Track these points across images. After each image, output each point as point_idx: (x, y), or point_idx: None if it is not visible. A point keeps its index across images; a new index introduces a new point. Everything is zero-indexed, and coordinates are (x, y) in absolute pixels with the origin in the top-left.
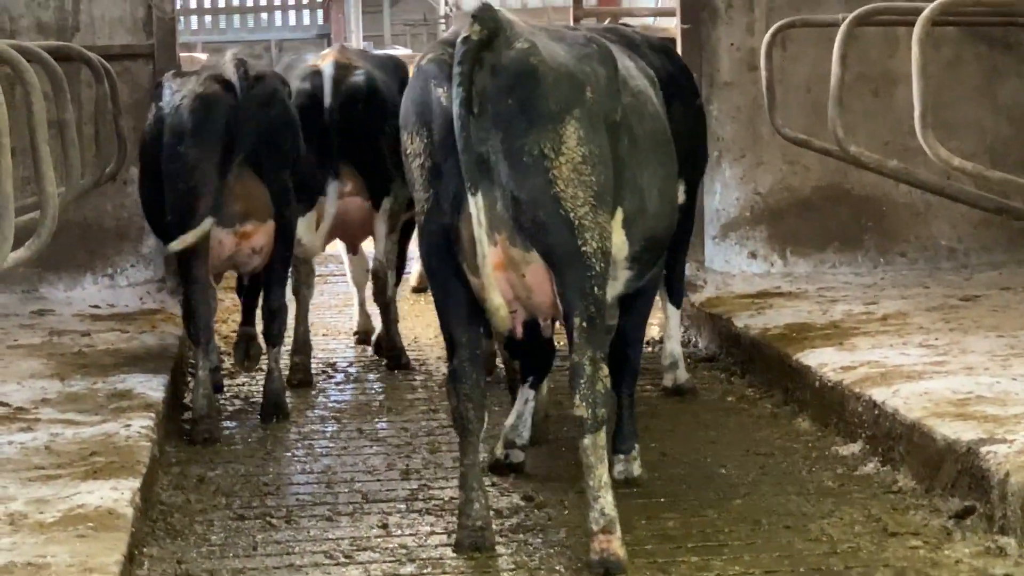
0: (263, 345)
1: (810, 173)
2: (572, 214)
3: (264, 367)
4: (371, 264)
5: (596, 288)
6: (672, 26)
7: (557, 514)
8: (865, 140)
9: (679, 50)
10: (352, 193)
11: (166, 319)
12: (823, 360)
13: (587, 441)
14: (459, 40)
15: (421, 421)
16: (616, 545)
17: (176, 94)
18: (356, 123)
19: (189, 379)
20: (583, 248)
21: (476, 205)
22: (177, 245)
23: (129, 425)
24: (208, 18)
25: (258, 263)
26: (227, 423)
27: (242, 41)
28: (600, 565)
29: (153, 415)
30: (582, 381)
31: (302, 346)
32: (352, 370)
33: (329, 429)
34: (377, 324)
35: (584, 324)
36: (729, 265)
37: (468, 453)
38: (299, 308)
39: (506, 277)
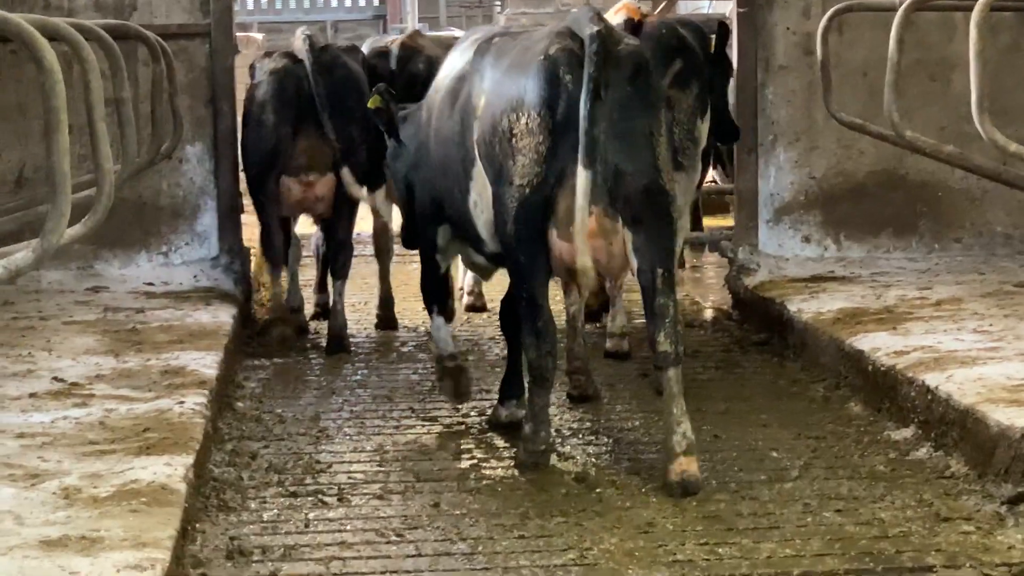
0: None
1: (865, 158)
2: (667, 184)
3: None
4: None
5: (674, 243)
6: (728, 10)
7: (609, 494)
8: (921, 125)
9: (735, 33)
10: None
11: (220, 297)
12: (876, 344)
13: (671, 373)
14: (590, 33)
15: (473, 401)
16: (695, 467)
17: (261, 71)
18: None
19: (243, 358)
20: (672, 212)
21: (586, 179)
22: None
23: (183, 402)
24: None
25: (323, 208)
26: (279, 401)
27: (298, 22)
28: (680, 486)
29: (206, 392)
30: (667, 321)
31: (384, 301)
32: (405, 349)
33: (381, 408)
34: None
35: (666, 275)
36: (782, 249)
37: (542, 395)
38: (380, 269)
39: (595, 244)
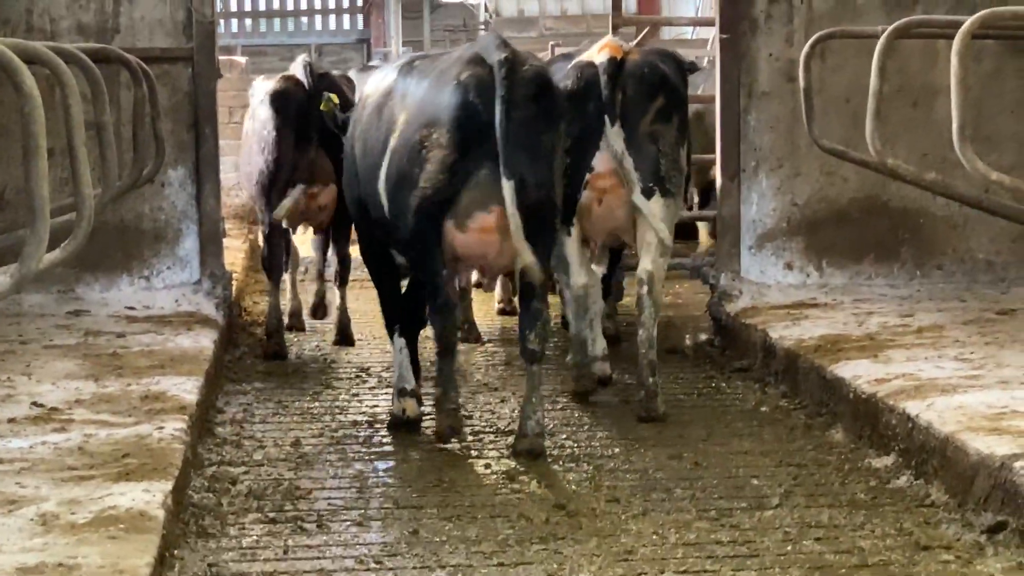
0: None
1: (847, 184)
2: (556, 197)
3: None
4: None
5: (551, 252)
6: (712, 36)
7: (588, 522)
8: (903, 152)
9: (718, 60)
10: None
11: (201, 322)
12: (857, 372)
13: (535, 368)
14: (498, 60)
15: None
16: (540, 442)
17: (261, 92)
18: None
19: (224, 383)
20: (556, 223)
21: (511, 188)
22: (280, 212)
23: (162, 427)
24: (248, 22)
25: (324, 218)
26: (259, 427)
27: (282, 45)
28: (527, 452)
29: (186, 417)
30: (538, 323)
31: None
32: (386, 375)
33: (362, 434)
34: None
35: (543, 280)
36: (765, 276)
37: (449, 363)
38: None
39: (490, 239)
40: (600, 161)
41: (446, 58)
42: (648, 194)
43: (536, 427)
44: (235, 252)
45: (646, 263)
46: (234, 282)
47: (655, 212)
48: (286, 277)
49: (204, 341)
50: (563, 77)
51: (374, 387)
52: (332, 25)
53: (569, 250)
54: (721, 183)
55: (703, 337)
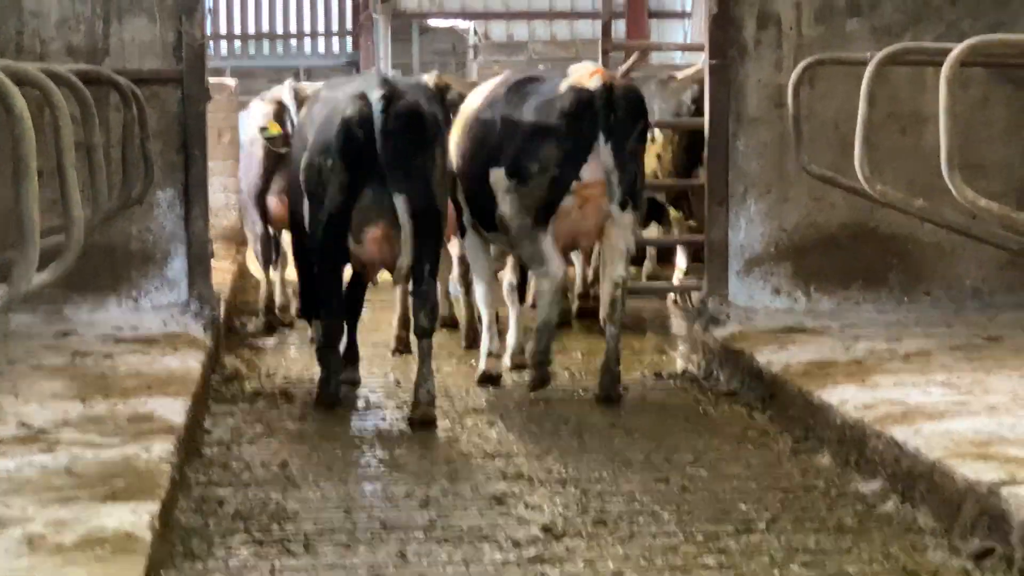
0: None
1: (836, 210)
2: (439, 204)
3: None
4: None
5: (439, 246)
6: (700, 62)
7: (576, 544)
8: (892, 179)
9: (707, 86)
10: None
11: (189, 343)
12: (845, 397)
13: (425, 343)
14: (376, 97)
15: (441, 450)
16: (432, 411)
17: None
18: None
19: (211, 403)
20: (441, 225)
21: (404, 202)
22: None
23: (150, 448)
24: (237, 44)
25: None
26: (247, 448)
27: (271, 67)
28: (419, 422)
29: (174, 439)
30: (427, 303)
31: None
32: (373, 397)
33: (349, 456)
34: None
35: (431, 268)
36: (753, 300)
37: (334, 352)
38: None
39: (382, 247)
40: (589, 172)
41: (344, 89)
42: (623, 206)
43: (427, 396)
44: (223, 273)
45: (620, 269)
46: (222, 303)
47: (627, 223)
48: (275, 275)
49: (192, 362)
50: (557, 98)
51: (362, 409)
52: (321, 48)
53: (546, 246)
54: (709, 208)
55: (690, 361)
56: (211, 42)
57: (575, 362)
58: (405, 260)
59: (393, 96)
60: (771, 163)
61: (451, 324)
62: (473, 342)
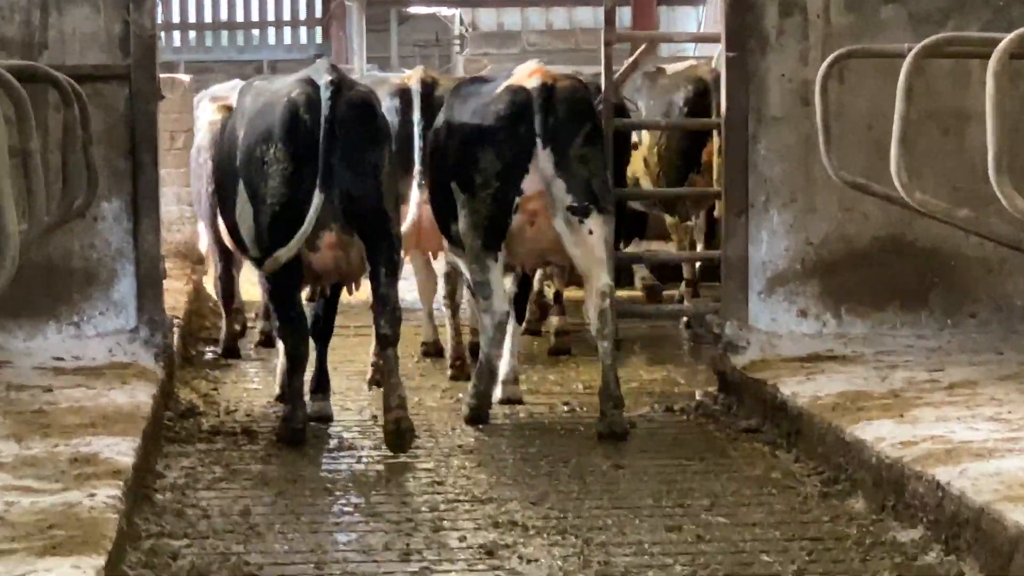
0: None
1: (869, 221)
2: (389, 207)
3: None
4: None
5: (396, 250)
6: (715, 53)
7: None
8: (932, 185)
9: (723, 80)
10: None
11: (138, 374)
12: (880, 434)
13: (390, 352)
14: (324, 82)
15: (424, 495)
16: (406, 415)
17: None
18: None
19: (163, 443)
20: (393, 228)
21: (318, 201)
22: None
23: (94, 494)
24: (192, 35)
25: None
26: (204, 493)
27: (231, 62)
28: (395, 432)
29: (121, 483)
30: (388, 308)
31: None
32: (347, 436)
33: (320, 502)
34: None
35: (389, 274)
36: (776, 324)
37: (298, 378)
38: None
39: (336, 254)
40: (529, 183)
41: (284, 79)
42: (583, 213)
43: (398, 400)
44: (177, 295)
45: (604, 278)
46: (176, 329)
47: (595, 230)
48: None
49: (141, 396)
50: (492, 101)
51: (335, 448)
52: (287, 39)
53: (493, 277)
54: (726, 220)
55: (706, 394)
56: (162, 33)
57: (575, 395)
58: (369, 265)
59: (343, 84)
60: (796, 168)
61: (436, 352)
62: (460, 372)
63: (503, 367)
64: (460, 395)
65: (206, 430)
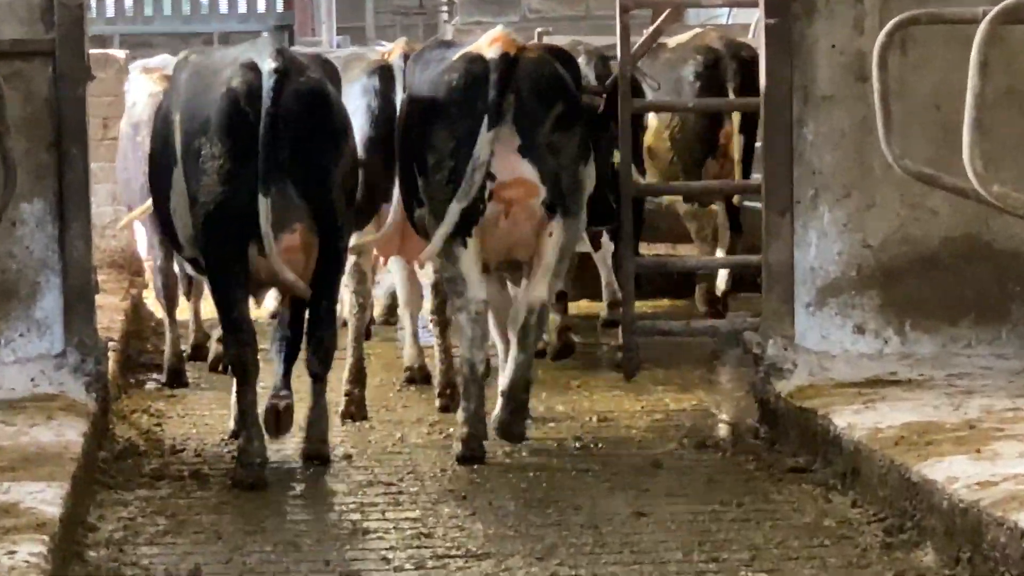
0: None
1: (938, 219)
2: (339, 217)
3: None
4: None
5: (341, 268)
6: (753, 20)
7: None
8: (1012, 176)
9: (763, 54)
10: None
11: (67, 408)
12: (954, 473)
13: (318, 386)
14: (268, 70)
15: (408, 549)
16: (327, 447)
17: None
18: None
19: (97, 490)
20: (341, 240)
21: (265, 205)
22: None
23: (14, 552)
24: (128, 4)
25: None
26: (145, 549)
27: (175, 34)
28: (317, 456)
29: (46, 538)
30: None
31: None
32: (316, 478)
33: (284, 560)
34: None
35: (328, 302)
36: (827, 342)
37: (248, 392)
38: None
39: (295, 259)
40: (504, 168)
41: (223, 55)
42: (548, 211)
43: (320, 434)
44: (112, 313)
45: (541, 290)
46: (111, 354)
47: (554, 232)
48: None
49: (70, 434)
50: (446, 70)
51: (301, 495)
52: (242, 6)
53: (464, 265)
54: (768, 219)
55: (746, 426)
56: (93, 2)
57: (588, 428)
58: (282, 278)
59: (290, 70)
60: (850, 157)
61: (422, 379)
62: (452, 402)
63: (502, 380)
64: (451, 430)
65: (148, 474)
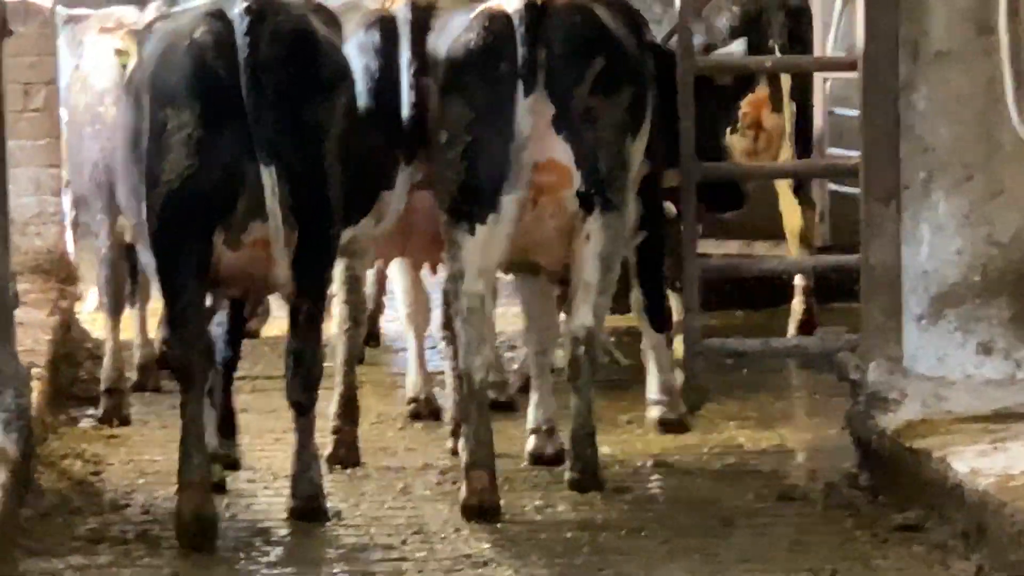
0: None
1: None
2: (332, 191)
3: None
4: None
5: (329, 264)
6: None
7: None
8: None
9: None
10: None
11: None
12: None
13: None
14: (238, 12)
15: None
16: (323, 501)
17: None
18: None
19: (17, 555)
20: (332, 228)
21: (271, 177)
22: None
23: None
24: None
25: None
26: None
27: None
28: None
29: None
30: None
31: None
32: (296, 542)
33: None
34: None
35: (315, 309)
36: (944, 365)
37: (191, 403)
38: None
39: (255, 257)
40: (536, 146)
41: (185, 14)
42: (587, 205)
43: (310, 488)
44: (36, 331)
45: (585, 315)
46: (35, 383)
47: (592, 235)
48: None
49: None
50: (462, 28)
51: (275, 563)
52: None
53: (467, 256)
54: (867, 209)
55: (841, 473)
56: None
57: (640, 475)
58: (279, 274)
59: (265, 9)
60: (973, 130)
61: (429, 413)
62: None
63: (531, 417)
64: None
65: (83, 536)
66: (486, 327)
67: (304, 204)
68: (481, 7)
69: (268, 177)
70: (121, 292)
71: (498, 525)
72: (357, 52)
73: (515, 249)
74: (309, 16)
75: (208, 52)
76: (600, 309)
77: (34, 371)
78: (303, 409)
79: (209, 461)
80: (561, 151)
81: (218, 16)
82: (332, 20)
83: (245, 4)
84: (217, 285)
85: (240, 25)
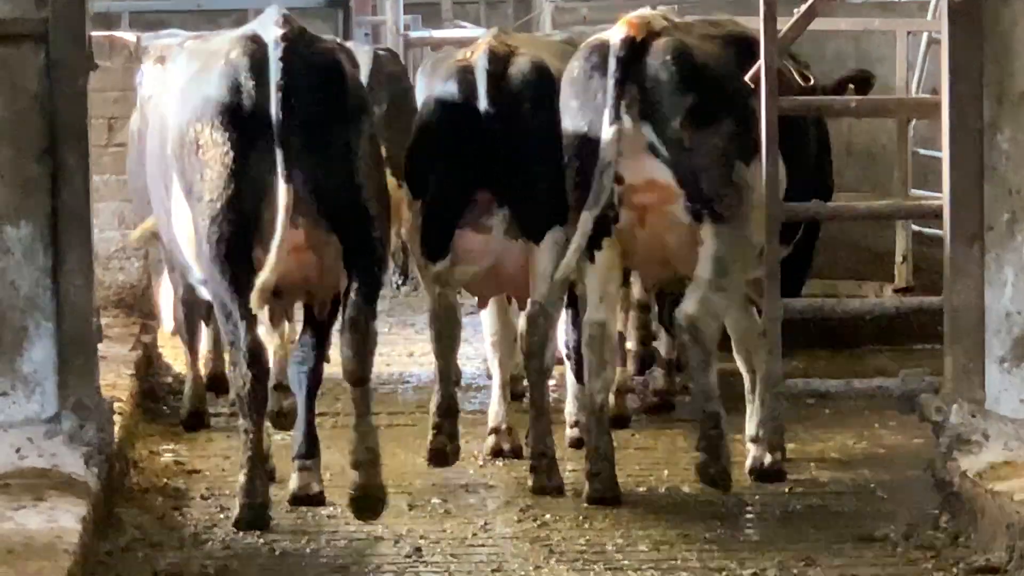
0: None
1: None
2: (368, 199)
3: None
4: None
5: (378, 258)
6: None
7: None
8: None
9: (945, 41)
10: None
11: (61, 486)
12: None
13: (358, 392)
14: (274, 38)
15: None
16: (378, 475)
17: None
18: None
19: None
20: (374, 228)
21: (285, 193)
22: None
23: None
24: None
25: None
26: None
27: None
28: (359, 491)
29: None
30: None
31: None
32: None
33: None
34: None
35: (370, 293)
36: None
37: (255, 431)
38: None
39: (304, 258)
40: (633, 170)
41: (219, 37)
42: (695, 215)
43: (367, 454)
44: (118, 366)
45: (688, 303)
46: (117, 418)
47: (707, 239)
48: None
49: (66, 520)
50: (574, 57)
51: None
52: None
53: (590, 282)
54: (952, 251)
55: (922, 514)
56: None
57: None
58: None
59: (299, 39)
60: None
61: (511, 450)
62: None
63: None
64: (547, 516)
65: (164, 570)
66: (607, 351)
67: (337, 212)
68: (592, 38)
69: (283, 192)
70: (195, 327)
71: (579, 567)
72: (437, 103)
73: (651, 264)
74: (336, 50)
75: (242, 73)
76: (710, 304)
77: (116, 405)
78: (356, 378)
79: (265, 481)
80: (660, 172)
81: (254, 39)
82: (353, 60)
83: (280, 31)
84: (280, 296)
85: (274, 51)
